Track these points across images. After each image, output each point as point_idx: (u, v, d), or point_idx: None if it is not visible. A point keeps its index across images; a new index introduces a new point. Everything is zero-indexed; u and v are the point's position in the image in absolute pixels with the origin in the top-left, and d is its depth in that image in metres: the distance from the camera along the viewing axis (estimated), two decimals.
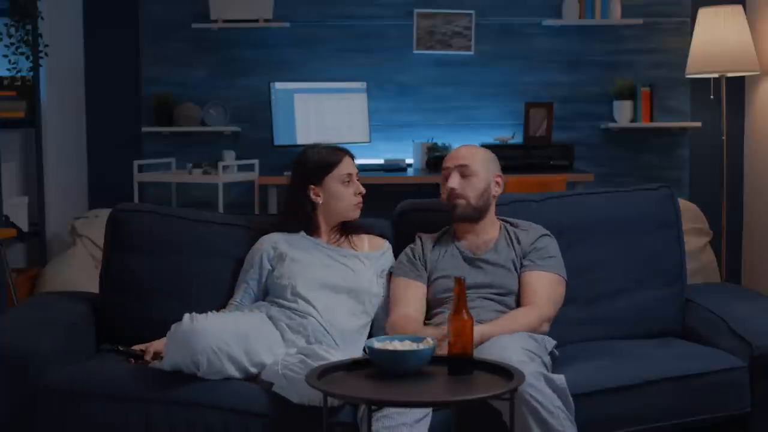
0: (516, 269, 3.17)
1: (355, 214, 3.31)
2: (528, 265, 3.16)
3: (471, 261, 3.21)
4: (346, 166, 3.28)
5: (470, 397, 2.41)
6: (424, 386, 2.43)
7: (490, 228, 3.26)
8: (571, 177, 5.29)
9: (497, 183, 3.26)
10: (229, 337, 2.83)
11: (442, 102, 5.89)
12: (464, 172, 3.21)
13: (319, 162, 3.28)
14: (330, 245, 3.28)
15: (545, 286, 3.13)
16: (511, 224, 3.29)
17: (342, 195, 3.27)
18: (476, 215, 3.22)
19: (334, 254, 3.25)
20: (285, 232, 3.29)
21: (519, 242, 3.21)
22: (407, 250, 3.29)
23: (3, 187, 4.86)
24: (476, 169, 3.21)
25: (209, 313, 2.94)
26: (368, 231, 3.37)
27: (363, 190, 3.31)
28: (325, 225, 3.30)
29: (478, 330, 2.89)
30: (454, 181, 3.19)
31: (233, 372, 2.85)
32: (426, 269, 3.22)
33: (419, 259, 3.24)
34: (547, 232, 3.26)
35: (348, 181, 3.27)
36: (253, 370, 2.90)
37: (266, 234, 3.31)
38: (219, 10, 5.70)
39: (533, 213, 3.43)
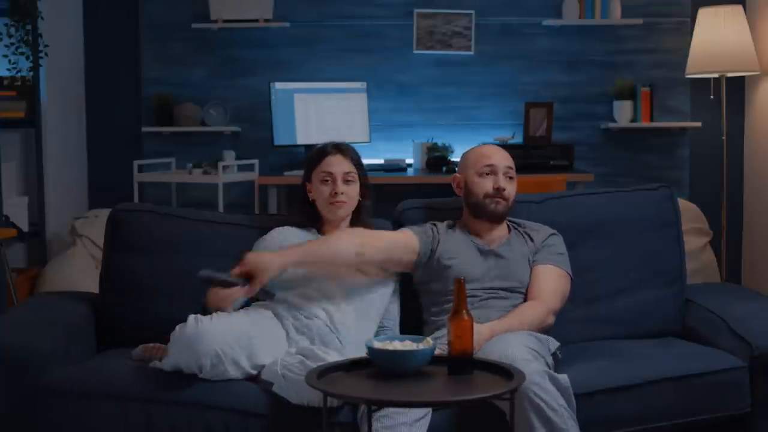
0: (529, 264, 3.20)
1: (329, 214, 3.21)
2: (537, 259, 3.20)
3: (485, 252, 3.22)
4: (326, 164, 3.20)
5: (470, 397, 2.41)
6: (424, 386, 2.43)
7: (503, 227, 3.30)
8: (571, 177, 5.29)
9: None
10: (233, 341, 2.82)
11: (442, 102, 5.89)
12: (510, 174, 3.27)
13: (308, 157, 3.30)
14: None
15: (552, 280, 3.16)
16: (519, 224, 3.32)
17: (318, 193, 3.20)
18: (507, 215, 3.28)
19: None
20: (299, 228, 3.25)
21: (532, 240, 3.25)
22: (428, 223, 3.30)
23: (3, 187, 4.85)
24: (514, 172, 3.29)
25: (213, 314, 2.92)
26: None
27: (341, 191, 3.16)
28: (330, 226, 3.24)
29: (489, 326, 2.93)
30: (505, 181, 3.24)
31: (235, 374, 2.84)
32: (435, 250, 3.20)
33: (434, 233, 3.24)
34: (555, 231, 3.30)
35: (327, 180, 3.18)
36: (255, 372, 2.89)
37: (280, 226, 3.26)
38: (219, 10, 5.70)
39: (533, 213, 3.43)
